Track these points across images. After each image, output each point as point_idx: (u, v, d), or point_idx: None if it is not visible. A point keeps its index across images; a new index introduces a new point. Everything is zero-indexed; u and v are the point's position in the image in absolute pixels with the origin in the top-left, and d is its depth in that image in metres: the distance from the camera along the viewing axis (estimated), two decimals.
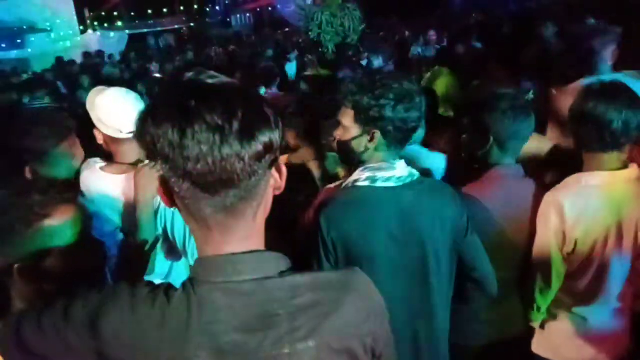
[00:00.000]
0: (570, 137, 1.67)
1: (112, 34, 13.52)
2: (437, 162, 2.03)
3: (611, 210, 1.54)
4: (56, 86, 5.92)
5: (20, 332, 0.82)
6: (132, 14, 15.08)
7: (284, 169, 0.79)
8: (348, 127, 1.39)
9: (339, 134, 1.43)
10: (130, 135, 1.66)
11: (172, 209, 1.61)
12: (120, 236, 1.69)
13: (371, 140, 1.36)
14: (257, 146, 0.69)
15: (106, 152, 1.80)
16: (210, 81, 0.73)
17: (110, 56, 10.48)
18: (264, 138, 0.70)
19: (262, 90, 4.11)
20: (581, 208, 1.54)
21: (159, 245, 1.68)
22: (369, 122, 1.34)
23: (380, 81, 1.33)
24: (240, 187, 0.71)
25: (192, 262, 1.66)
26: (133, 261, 1.45)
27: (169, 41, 12.67)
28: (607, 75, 2.21)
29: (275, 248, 0.81)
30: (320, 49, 8.14)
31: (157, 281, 0.81)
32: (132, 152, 1.73)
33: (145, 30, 15.17)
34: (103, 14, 14.25)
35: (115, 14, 14.65)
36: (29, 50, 12.42)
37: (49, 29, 13.21)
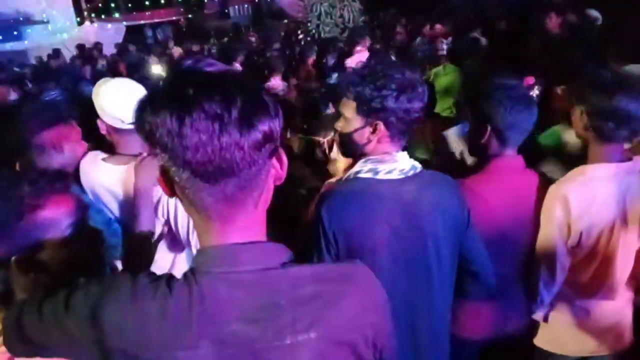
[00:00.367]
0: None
1: (109, 25, 13.41)
2: None
3: (616, 202, 1.53)
4: (63, 77, 5.87)
5: (20, 321, 0.83)
6: (129, 5, 14.97)
7: (285, 159, 0.79)
8: (350, 118, 1.37)
9: (340, 125, 1.41)
10: (132, 126, 1.65)
11: (174, 201, 1.62)
12: (116, 226, 1.69)
13: (374, 131, 1.34)
14: (257, 135, 0.68)
15: (109, 143, 1.79)
16: (208, 69, 0.72)
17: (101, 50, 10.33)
18: (263, 127, 0.69)
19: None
20: (586, 200, 1.53)
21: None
22: (372, 113, 1.32)
23: (382, 71, 1.30)
24: (240, 177, 0.71)
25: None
26: (137, 253, 1.44)
27: (166, 33, 12.60)
28: None
29: (277, 240, 0.80)
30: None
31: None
32: (134, 143, 1.72)
33: (143, 22, 15.09)
34: (100, 5, 14.15)
35: (112, 5, 14.54)
36: (26, 42, 12.34)
37: (45, 20, 13.10)
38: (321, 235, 1.29)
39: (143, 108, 0.69)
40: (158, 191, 1.62)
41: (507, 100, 1.54)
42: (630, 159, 1.57)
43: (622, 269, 1.62)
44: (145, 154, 1.65)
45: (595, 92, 1.51)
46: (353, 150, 1.40)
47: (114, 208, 1.77)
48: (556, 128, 2.20)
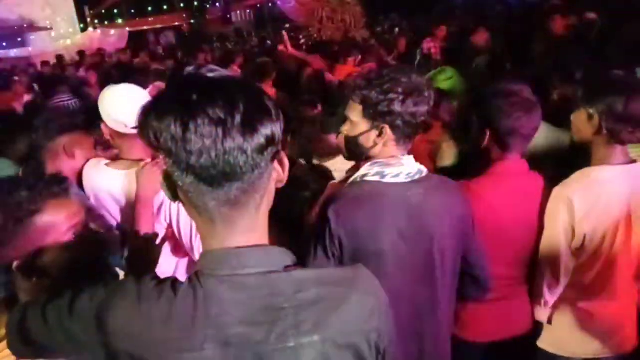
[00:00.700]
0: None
1: (112, 31, 13.48)
2: None
3: (621, 204, 1.53)
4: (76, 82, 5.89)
5: (23, 324, 0.84)
6: (132, 11, 15.06)
7: (286, 162, 0.79)
8: (356, 122, 1.37)
9: (346, 129, 1.41)
10: (134, 131, 1.67)
11: (177, 206, 1.63)
12: (116, 233, 1.70)
13: (380, 135, 1.34)
14: (259, 139, 0.69)
15: (112, 148, 1.82)
16: (211, 75, 0.73)
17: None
18: (265, 130, 0.70)
19: None
20: (590, 202, 1.53)
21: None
22: (378, 116, 1.32)
23: (388, 75, 1.31)
24: (243, 180, 0.71)
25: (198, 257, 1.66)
26: (142, 256, 1.45)
27: (169, 38, 12.66)
28: None
29: (281, 243, 0.81)
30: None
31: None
32: (137, 148, 1.74)
33: (146, 28, 15.17)
34: (103, 11, 14.23)
35: (115, 11, 14.63)
36: (30, 48, 12.43)
37: (49, 27, 13.20)
38: (326, 238, 1.29)
39: (147, 113, 0.70)
40: (160, 196, 1.63)
41: (507, 106, 1.53)
42: (634, 161, 1.57)
43: (626, 271, 1.61)
44: (148, 160, 1.66)
45: (611, 95, 1.51)
46: (359, 153, 1.40)
47: (116, 213, 1.78)
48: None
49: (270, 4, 14.84)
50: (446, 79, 4.43)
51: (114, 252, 1.53)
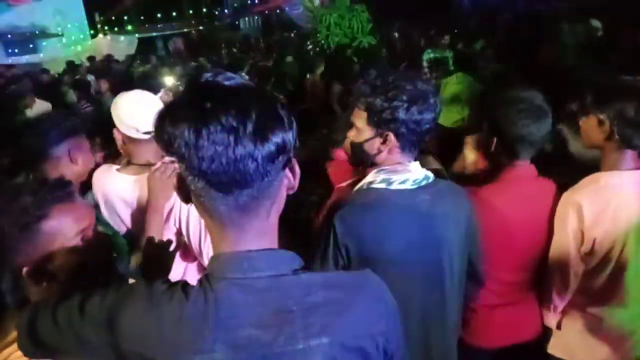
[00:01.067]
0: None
1: (121, 37, 13.61)
2: None
3: (630, 209, 1.52)
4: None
5: (33, 325, 0.85)
6: (142, 17, 15.21)
7: (298, 169, 0.80)
8: (361, 128, 1.37)
9: (352, 135, 1.41)
10: (146, 136, 1.69)
11: (186, 210, 1.64)
12: (122, 239, 1.71)
13: (384, 142, 1.33)
14: (270, 147, 0.70)
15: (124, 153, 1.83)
16: (227, 83, 0.75)
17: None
18: (276, 139, 0.71)
19: None
20: (600, 207, 1.52)
21: None
22: (382, 124, 1.31)
23: (393, 82, 1.30)
24: (253, 187, 0.73)
25: (207, 262, 1.67)
26: (155, 261, 1.45)
27: (178, 44, 12.75)
28: None
29: (288, 247, 0.82)
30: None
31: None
32: (148, 152, 1.76)
33: (155, 34, 15.31)
34: (113, 18, 14.40)
35: (125, 18, 14.79)
36: (41, 55, 12.58)
37: (60, 33, 13.38)
38: (331, 246, 1.29)
39: (162, 118, 0.72)
40: (170, 200, 1.64)
41: (515, 113, 1.52)
42: None
43: (636, 276, 1.60)
44: (158, 164, 1.67)
45: (622, 100, 1.50)
46: (364, 160, 1.40)
47: (127, 218, 1.80)
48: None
49: (278, 11, 14.93)
50: (456, 83, 4.43)
51: (122, 256, 1.54)
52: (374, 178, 1.35)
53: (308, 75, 5.88)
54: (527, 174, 1.62)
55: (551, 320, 1.71)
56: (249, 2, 15.58)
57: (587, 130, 1.62)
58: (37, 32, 12.94)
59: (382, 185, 1.32)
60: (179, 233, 1.71)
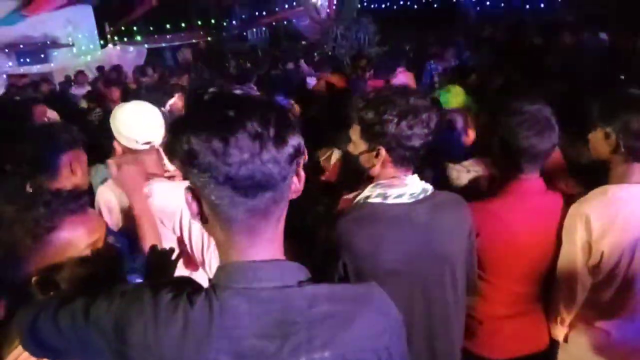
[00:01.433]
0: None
1: (131, 48, 13.75)
2: None
3: (638, 222, 1.51)
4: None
5: (36, 323, 0.86)
6: (151, 28, 15.38)
7: (303, 174, 0.82)
8: (356, 142, 1.38)
9: (350, 148, 1.43)
10: (146, 147, 1.71)
11: (189, 217, 1.64)
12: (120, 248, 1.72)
13: (376, 156, 1.33)
14: (289, 149, 0.74)
15: None
16: (238, 92, 0.77)
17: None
18: (293, 142, 0.75)
19: None
20: (608, 220, 1.52)
21: None
22: (373, 138, 1.32)
23: (386, 97, 1.30)
24: (275, 190, 0.75)
25: (209, 271, 1.67)
26: (159, 273, 1.46)
27: (186, 55, 12.87)
28: None
29: (293, 257, 0.82)
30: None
31: None
32: (147, 163, 1.78)
33: (164, 45, 15.47)
34: (122, 28, 14.56)
35: (135, 28, 14.96)
36: (52, 64, 12.73)
37: (71, 43, 13.54)
38: (330, 259, 1.29)
39: (179, 131, 0.73)
40: (171, 208, 1.65)
41: (517, 127, 1.50)
42: None
43: None
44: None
45: (628, 113, 1.50)
46: (360, 173, 1.41)
47: (130, 228, 1.80)
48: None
49: (285, 22, 15.05)
50: (453, 96, 4.41)
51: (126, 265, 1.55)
52: (370, 192, 1.35)
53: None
54: (534, 187, 1.60)
55: (558, 333, 1.69)
56: (256, 13, 15.73)
57: (595, 144, 1.62)
58: (48, 42, 13.12)
59: (378, 200, 1.32)
60: (180, 241, 1.72)
